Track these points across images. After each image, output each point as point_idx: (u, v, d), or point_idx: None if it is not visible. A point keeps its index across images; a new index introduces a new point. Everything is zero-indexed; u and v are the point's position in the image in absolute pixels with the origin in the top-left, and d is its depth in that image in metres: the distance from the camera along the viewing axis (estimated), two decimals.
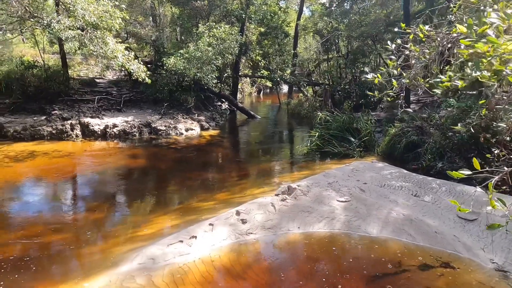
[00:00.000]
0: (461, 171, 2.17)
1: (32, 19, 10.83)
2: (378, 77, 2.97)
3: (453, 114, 8.61)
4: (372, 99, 15.54)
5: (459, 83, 2.30)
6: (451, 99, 9.09)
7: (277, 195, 6.33)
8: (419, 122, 9.73)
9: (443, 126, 8.56)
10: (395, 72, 3.02)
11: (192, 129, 13.87)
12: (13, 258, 5.00)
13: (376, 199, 6.23)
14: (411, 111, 9.88)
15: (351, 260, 4.81)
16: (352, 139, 10.82)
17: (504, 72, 2.13)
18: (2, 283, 4.38)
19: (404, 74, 3.10)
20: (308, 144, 11.41)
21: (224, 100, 18.93)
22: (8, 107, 12.93)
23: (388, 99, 3.61)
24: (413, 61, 3.10)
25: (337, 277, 4.42)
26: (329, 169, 8.32)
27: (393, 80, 3.04)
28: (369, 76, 3.11)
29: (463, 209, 2.35)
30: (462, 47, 2.22)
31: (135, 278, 4.30)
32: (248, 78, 26.98)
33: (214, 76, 14.87)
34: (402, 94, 3.91)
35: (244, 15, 17.76)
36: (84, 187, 8.52)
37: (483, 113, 5.83)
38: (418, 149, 8.88)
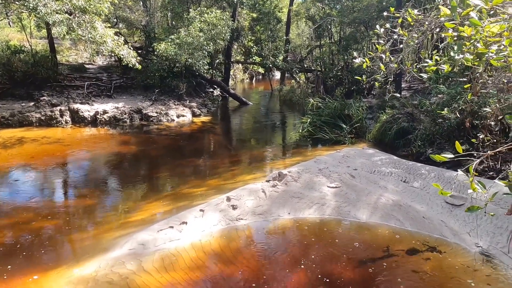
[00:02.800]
0: (443, 155, 2.18)
1: (17, 2, 10.56)
2: (366, 61, 2.96)
3: (443, 101, 8.66)
4: (364, 86, 15.54)
5: (445, 67, 2.29)
6: (441, 86, 9.12)
7: (268, 181, 6.35)
8: (410, 108, 9.77)
9: (433, 113, 8.60)
10: (384, 56, 3.00)
11: (183, 116, 13.79)
12: (3, 244, 4.97)
13: (366, 185, 6.28)
14: (399, 95, 9.88)
15: (340, 245, 4.86)
16: (344, 126, 10.84)
17: (486, 55, 2.12)
18: None
19: (392, 59, 3.09)
20: (300, 131, 11.42)
21: (216, 86, 18.80)
22: None
23: (377, 84, 3.61)
24: (401, 46, 3.08)
25: (327, 261, 4.48)
26: (320, 156, 8.35)
27: (381, 65, 3.03)
28: (357, 60, 3.10)
29: (445, 192, 2.38)
30: (450, 31, 2.21)
31: (125, 264, 4.31)
32: (240, 65, 26.77)
33: (206, 62, 14.73)
34: (390, 79, 3.90)
35: (236, 0, 17.54)
36: (75, 174, 8.46)
37: (469, 97, 5.86)
38: (409, 136, 8.94)
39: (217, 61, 18.76)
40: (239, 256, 4.69)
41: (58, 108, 12.55)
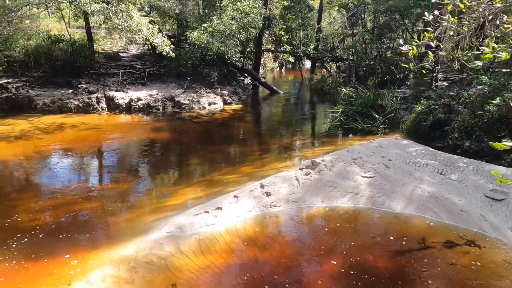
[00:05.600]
0: (504, 142, 2.10)
1: None
2: (413, 49, 2.89)
3: (483, 92, 8.36)
4: (397, 76, 15.19)
5: (503, 55, 2.21)
6: (483, 76, 8.79)
7: (301, 169, 6.36)
8: (447, 99, 9.49)
9: (473, 104, 8.33)
10: (432, 44, 2.93)
11: (215, 103, 13.93)
12: (48, 226, 5.22)
13: (401, 175, 6.19)
14: (446, 84, 9.55)
15: (374, 235, 4.84)
16: (376, 116, 10.67)
17: None
18: (34, 250, 4.61)
19: (442, 46, 3.01)
20: (331, 120, 11.33)
21: (246, 75, 18.81)
22: (36, 80, 13.23)
23: (424, 72, 3.52)
24: (451, 33, 3.00)
25: (360, 250, 4.48)
26: (352, 145, 8.27)
27: (430, 53, 2.95)
28: (404, 48, 3.03)
29: (504, 181, 2.27)
30: (505, 18, 2.14)
31: (164, 246, 4.46)
32: (270, 53, 26.64)
33: (238, 51, 14.75)
34: (437, 67, 3.80)
35: None
36: (111, 159, 8.75)
37: None
38: (445, 127, 8.69)
39: (248, 49, 18.74)
40: (273, 242, 4.75)
41: (95, 95, 12.94)
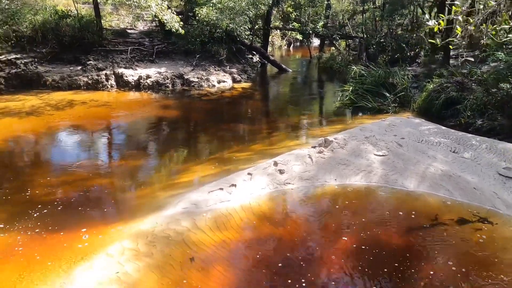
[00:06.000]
0: None
1: None
2: (440, 24, 2.83)
3: (498, 70, 8.23)
4: (408, 54, 14.97)
5: None
6: (499, 53, 8.62)
7: (314, 147, 6.37)
8: (459, 77, 9.37)
9: (486, 82, 8.22)
10: (460, 19, 2.87)
11: (224, 81, 13.85)
12: (65, 202, 5.30)
13: (414, 154, 6.19)
14: (473, 60, 9.35)
15: (387, 212, 4.88)
16: (387, 94, 10.56)
17: None
18: (52, 223, 4.69)
19: (471, 20, 2.94)
20: (341, 99, 11.25)
21: (255, 52, 18.61)
22: (45, 56, 13.17)
23: (450, 46, 3.46)
24: (481, 6, 2.93)
25: (373, 228, 4.52)
26: (363, 124, 8.25)
27: (458, 27, 2.90)
28: (430, 23, 2.97)
29: None
30: None
31: (180, 221, 4.52)
32: (278, 31, 26.25)
33: (247, 28, 14.55)
34: (464, 43, 3.74)
35: None
36: (122, 136, 8.81)
37: None
38: (457, 106, 8.61)
39: (257, 27, 18.49)
40: (287, 219, 4.82)
41: (104, 72, 12.90)
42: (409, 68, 13.13)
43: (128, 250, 3.96)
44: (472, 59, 9.13)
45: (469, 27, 2.82)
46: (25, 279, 3.57)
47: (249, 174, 5.51)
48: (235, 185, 5.24)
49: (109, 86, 12.69)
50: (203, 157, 7.24)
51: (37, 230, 4.46)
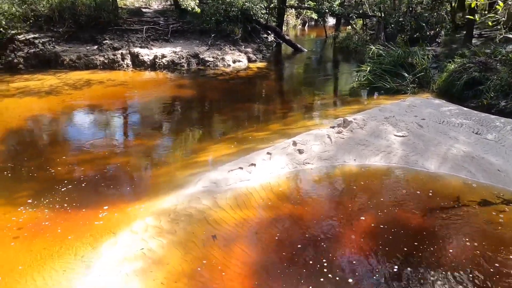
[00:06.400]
0: None
1: None
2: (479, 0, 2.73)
3: None
4: (428, 33, 14.60)
5: None
6: None
7: (332, 127, 6.33)
8: (482, 57, 9.12)
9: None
10: None
11: (239, 61, 13.75)
12: (82, 178, 5.39)
13: (435, 135, 6.10)
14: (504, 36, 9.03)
15: (407, 193, 4.85)
16: (406, 75, 10.36)
17: None
18: (76, 200, 4.78)
19: None
20: (359, 79, 11.09)
21: (270, 32, 18.37)
22: (62, 36, 13.22)
23: (490, 23, 3.33)
24: None
25: (392, 208, 4.50)
26: (382, 104, 8.14)
27: (500, 2, 2.78)
28: None
29: None
30: None
31: (201, 200, 4.57)
32: (293, 10, 25.83)
33: (263, 6, 14.32)
34: (503, 19, 3.59)
35: None
36: (138, 115, 8.85)
37: None
38: (479, 87, 8.41)
39: (272, 5, 18.19)
40: (307, 198, 4.82)
41: (120, 51, 12.92)
42: (429, 48, 12.82)
43: (152, 227, 4.03)
44: (511, 36, 8.80)
45: (510, 1, 2.71)
46: (55, 254, 3.66)
47: (268, 153, 5.51)
48: (254, 165, 5.26)
49: (125, 66, 12.72)
50: (220, 137, 7.26)
51: (62, 206, 4.56)
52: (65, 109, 8.60)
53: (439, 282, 3.29)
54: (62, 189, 4.97)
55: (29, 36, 12.57)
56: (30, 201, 4.68)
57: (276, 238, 3.99)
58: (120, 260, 3.49)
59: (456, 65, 9.34)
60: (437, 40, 14.51)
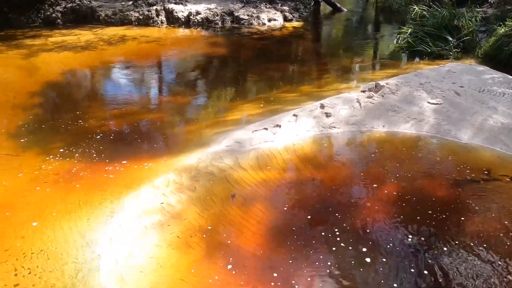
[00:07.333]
0: None
1: None
2: None
3: None
4: None
5: None
6: None
7: (363, 91, 6.11)
8: None
9: None
10: None
11: (275, 20, 13.37)
12: (111, 132, 5.55)
13: (472, 104, 5.77)
14: None
15: (435, 163, 4.68)
16: (450, 38, 9.74)
17: None
18: (103, 154, 4.94)
19: None
20: (398, 42, 10.54)
21: None
22: None
23: None
24: None
25: (418, 178, 4.36)
26: (420, 69, 7.74)
27: None
28: None
29: None
30: None
31: (223, 159, 4.61)
32: None
33: None
34: None
35: None
36: (170, 73, 8.89)
37: None
38: None
39: None
40: (329, 163, 4.76)
41: (154, 8, 12.84)
42: (479, 9, 11.90)
43: (173, 183, 4.13)
44: None
45: None
46: (82, 203, 3.85)
47: (294, 115, 5.43)
48: (279, 126, 5.21)
49: (159, 22, 12.68)
50: (250, 96, 7.22)
51: (91, 158, 4.74)
52: (100, 65, 8.77)
53: (460, 257, 3.21)
54: (93, 142, 5.14)
55: None
56: (62, 150, 4.89)
57: (295, 201, 4.00)
58: (140, 213, 3.63)
59: (507, 29, 8.66)
60: (489, 0, 13.44)
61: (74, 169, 4.49)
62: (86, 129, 5.56)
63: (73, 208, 3.75)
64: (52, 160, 4.66)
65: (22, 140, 5.19)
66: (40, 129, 5.56)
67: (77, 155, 4.82)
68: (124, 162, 4.64)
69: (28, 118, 5.93)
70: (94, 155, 4.82)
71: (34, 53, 9.33)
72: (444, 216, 3.70)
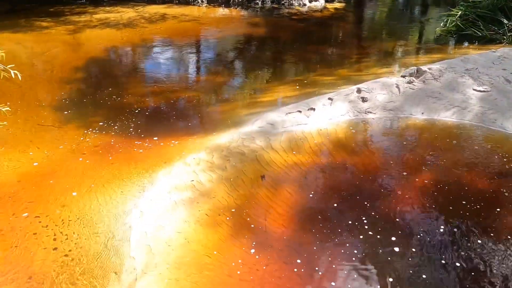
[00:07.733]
0: None
1: None
2: None
3: None
4: None
5: None
6: None
7: (403, 76, 5.88)
8: None
9: None
10: None
11: (316, 1, 13.05)
12: (148, 109, 5.66)
13: None
14: None
15: (476, 154, 4.46)
16: (505, 21, 9.11)
17: None
18: (137, 130, 5.06)
19: None
20: (446, 25, 10.01)
21: None
22: None
23: None
24: None
25: (457, 169, 4.18)
26: (467, 54, 7.33)
27: None
28: None
29: None
30: None
31: (255, 140, 4.61)
32: None
33: None
34: None
35: None
36: (207, 52, 8.93)
37: None
38: None
39: None
40: (363, 149, 4.66)
41: None
42: None
43: (204, 161, 4.18)
44: None
45: None
46: (117, 176, 3.98)
47: (329, 99, 5.32)
48: (314, 109, 5.13)
49: (199, 1, 12.69)
50: (287, 78, 7.14)
51: (128, 133, 4.87)
52: (140, 42, 8.93)
53: (497, 251, 3.07)
54: (130, 117, 5.27)
55: None
56: (101, 123, 5.05)
57: (325, 185, 3.95)
58: (171, 188, 3.71)
59: None
60: None
61: (112, 141, 4.64)
62: (125, 105, 5.71)
63: (108, 180, 3.89)
64: (91, 133, 4.84)
65: (66, 113, 5.40)
66: (82, 103, 5.76)
67: (115, 128, 4.97)
68: (157, 138, 4.74)
69: (71, 91, 6.16)
70: (131, 129, 4.95)
71: (79, 30, 9.63)
72: (480, 210, 3.53)
